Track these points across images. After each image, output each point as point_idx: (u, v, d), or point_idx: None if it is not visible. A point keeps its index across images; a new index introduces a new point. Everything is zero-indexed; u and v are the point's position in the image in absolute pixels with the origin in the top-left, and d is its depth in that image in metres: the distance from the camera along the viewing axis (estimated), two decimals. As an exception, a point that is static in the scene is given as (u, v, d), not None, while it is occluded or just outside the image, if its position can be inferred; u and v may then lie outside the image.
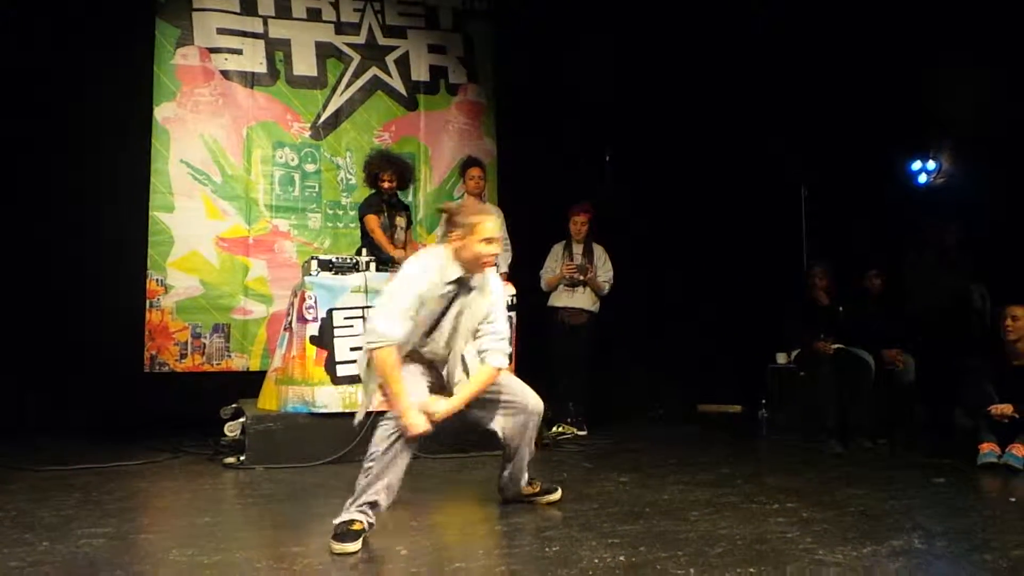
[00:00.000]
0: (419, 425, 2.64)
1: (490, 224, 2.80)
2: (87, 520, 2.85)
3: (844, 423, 4.64)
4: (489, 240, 2.80)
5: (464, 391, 2.85)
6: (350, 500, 2.63)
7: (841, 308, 5.03)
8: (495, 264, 2.99)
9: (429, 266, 2.81)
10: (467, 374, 2.90)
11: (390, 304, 2.75)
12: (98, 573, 2.20)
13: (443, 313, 2.84)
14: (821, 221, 6.21)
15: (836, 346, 4.84)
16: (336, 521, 2.56)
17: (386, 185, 4.88)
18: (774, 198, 6.36)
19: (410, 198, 6.19)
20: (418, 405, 2.69)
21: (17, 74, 5.26)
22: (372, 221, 4.86)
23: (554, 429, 5.00)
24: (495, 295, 2.94)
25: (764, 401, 5.40)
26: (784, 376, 5.31)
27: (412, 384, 2.77)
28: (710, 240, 6.45)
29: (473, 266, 2.82)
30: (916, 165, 6.27)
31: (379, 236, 4.80)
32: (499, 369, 2.91)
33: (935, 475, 3.71)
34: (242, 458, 3.98)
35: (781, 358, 5.44)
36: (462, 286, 2.85)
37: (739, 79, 6.24)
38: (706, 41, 6.25)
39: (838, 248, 5.68)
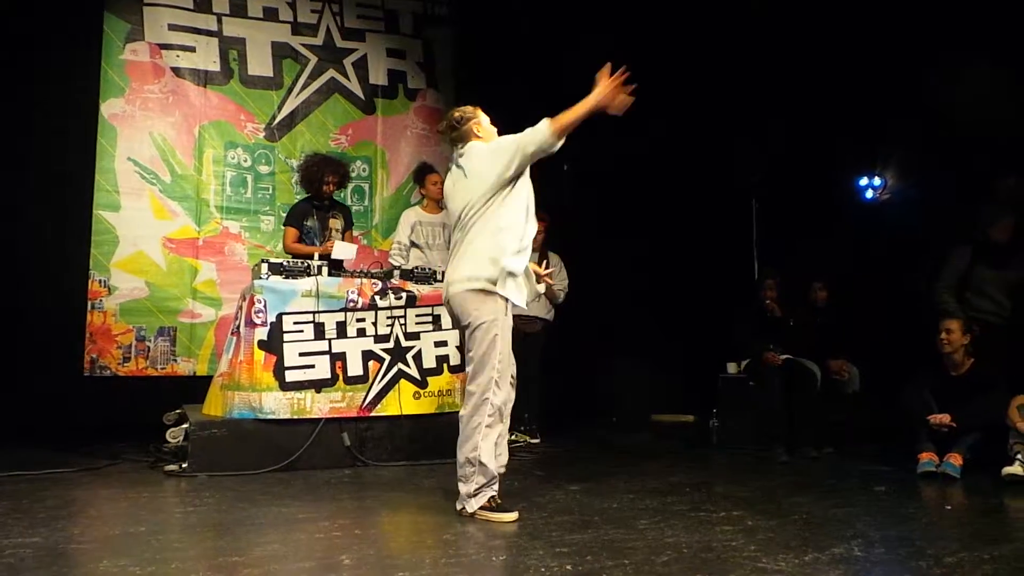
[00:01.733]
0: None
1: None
2: (14, 529, 2.72)
3: (791, 432, 4.73)
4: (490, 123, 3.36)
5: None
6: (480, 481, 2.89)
7: (790, 320, 5.14)
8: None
9: None
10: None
11: (521, 139, 3.10)
12: (22, 585, 2.10)
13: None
14: (771, 234, 6.35)
15: (784, 356, 4.94)
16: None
17: (330, 188, 4.81)
18: (726, 211, 6.48)
19: (366, 202, 6.13)
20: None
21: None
22: (289, 234, 4.82)
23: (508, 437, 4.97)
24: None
25: (715, 410, 5.47)
26: (734, 385, 5.39)
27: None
28: (664, 250, 6.54)
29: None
30: (863, 181, 6.46)
31: (293, 249, 4.75)
32: None
33: (877, 483, 3.80)
34: (184, 465, 3.86)
35: (731, 368, 5.52)
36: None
37: (693, 94, 6.35)
38: (661, 52, 6.33)
39: (787, 260, 5.81)
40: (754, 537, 2.71)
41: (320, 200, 4.85)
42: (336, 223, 4.90)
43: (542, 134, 3.01)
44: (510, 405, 3.11)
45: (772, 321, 5.11)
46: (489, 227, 3.01)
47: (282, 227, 5.90)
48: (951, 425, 4.06)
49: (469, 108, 3.30)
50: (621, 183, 6.57)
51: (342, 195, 5.21)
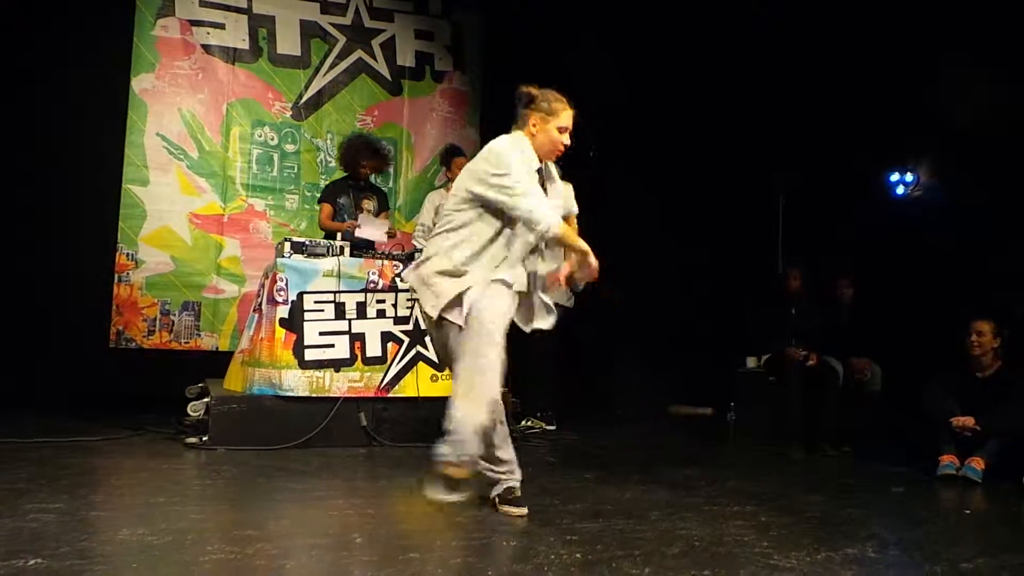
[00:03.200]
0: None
1: (569, 113, 2.77)
2: (38, 495, 2.79)
3: (809, 429, 4.69)
4: (564, 129, 2.75)
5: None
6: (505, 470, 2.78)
7: (814, 316, 5.08)
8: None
9: (522, 147, 2.74)
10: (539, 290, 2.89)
11: (530, 187, 2.68)
12: (42, 548, 2.15)
13: None
14: (798, 228, 6.25)
15: (805, 353, 4.88)
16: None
17: (365, 171, 4.86)
18: (752, 203, 6.39)
19: (390, 184, 6.15)
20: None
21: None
22: (324, 210, 4.89)
23: (523, 423, 4.99)
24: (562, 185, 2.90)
25: (732, 404, 5.43)
26: (753, 380, 5.35)
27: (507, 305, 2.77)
28: (687, 241, 6.47)
29: (548, 154, 2.78)
30: (895, 177, 6.33)
31: (327, 225, 4.81)
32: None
33: (895, 484, 3.76)
34: (204, 438, 3.92)
35: (751, 362, 5.47)
36: (541, 176, 2.79)
37: (723, 84, 6.25)
38: (694, 45, 6.24)
39: (814, 256, 5.73)
40: (766, 533, 2.69)
41: (348, 180, 4.91)
42: (369, 204, 4.93)
43: (543, 223, 2.68)
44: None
45: (793, 317, 5.05)
46: None
47: (307, 206, 5.96)
48: (975, 428, 3.98)
49: (551, 94, 2.86)
50: (647, 173, 6.51)
51: (374, 177, 5.24)
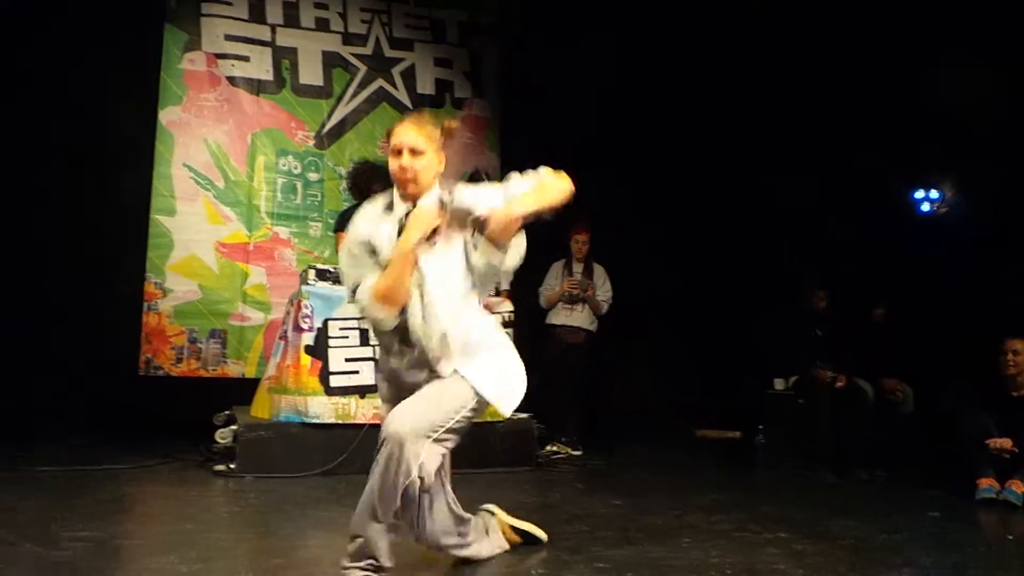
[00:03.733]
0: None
1: (400, 129, 2.21)
2: (70, 523, 2.81)
3: (840, 452, 4.61)
4: (394, 150, 2.18)
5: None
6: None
7: (841, 336, 5.01)
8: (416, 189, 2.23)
9: (359, 217, 2.35)
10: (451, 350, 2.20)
11: (347, 279, 2.32)
12: (76, 580, 2.17)
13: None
14: (823, 248, 6.20)
15: (833, 374, 4.81)
16: None
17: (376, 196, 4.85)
18: (776, 223, 6.35)
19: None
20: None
21: (27, 73, 5.28)
22: (340, 240, 4.85)
23: (548, 448, 4.95)
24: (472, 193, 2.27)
25: (761, 427, 5.36)
26: (782, 402, 5.28)
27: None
28: (711, 263, 6.44)
29: (402, 188, 2.23)
30: (919, 194, 6.27)
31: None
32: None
33: (931, 509, 3.67)
34: (232, 466, 3.94)
35: (779, 384, 5.40)
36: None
37: (744, 104, 6.25)
38: (706, 64, 6.26)
39: (840, 275, 5.67)
40: (800, 561, 2.64)
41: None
42: None
43: (360, 307, 2.27)
44: None
45: (820, 338, 4.99)
46: None
47: (330, 233, 6.01)
48: (1012, 451, 3.89)
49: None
50: (669, 195, 6.50)
51: None
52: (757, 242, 6.36)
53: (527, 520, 2.74)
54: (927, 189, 6.23)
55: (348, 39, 6.21)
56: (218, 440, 4.22)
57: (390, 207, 2.30)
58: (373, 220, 2.30)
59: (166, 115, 5.72)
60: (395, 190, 2.29)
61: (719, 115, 6.35)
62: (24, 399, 5.12)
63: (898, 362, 5.10)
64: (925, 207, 6.25)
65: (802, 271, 5.96)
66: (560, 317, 5.33)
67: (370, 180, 4.87)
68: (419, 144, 2.20)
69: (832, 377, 4.77)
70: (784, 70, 6.01)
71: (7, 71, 5.23)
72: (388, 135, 2.27)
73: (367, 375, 4.16)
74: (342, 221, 4.98)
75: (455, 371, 2.22)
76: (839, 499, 3.90)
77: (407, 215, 2.24)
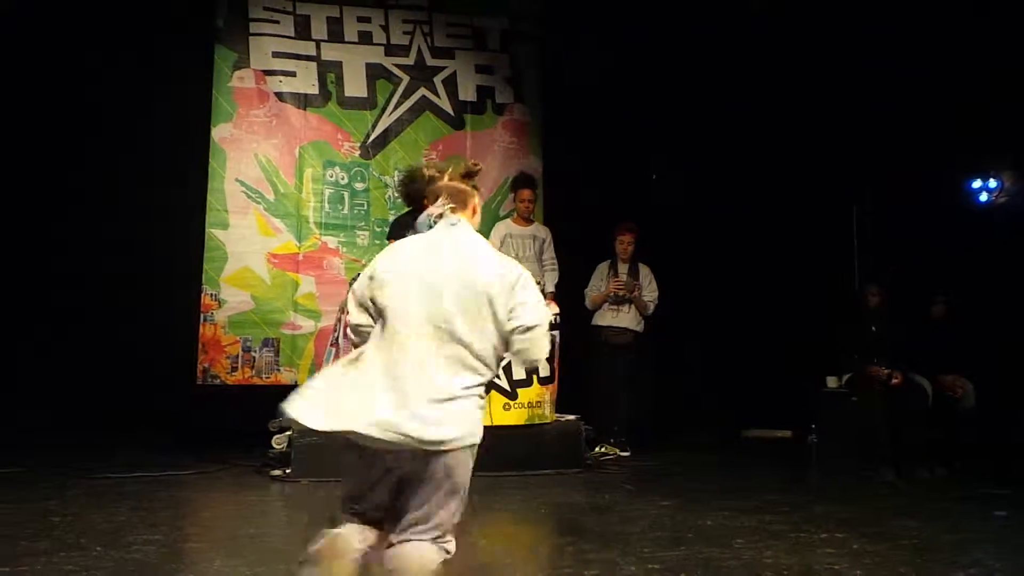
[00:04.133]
0: None
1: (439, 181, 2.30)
2: (138, 527, 2.93)
3: (898, 451, 4.49)
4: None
5: None
6: None
7: (896, 332, 4.89)
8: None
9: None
10: None
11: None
12: (147, 580, 2.26)
13: None
14: (876, 241, 6.05)
15: (888, 371, 4.69)
16: None
17: (428, 204, 4.93)
18: (826, 216, 6.22)
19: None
20: None
21: (84, 96, 5.52)
22: None
23: (596, 449, 4.95)
24: None
25: (814, 426, 5.25)
26: (835, 401, 5.16)
27: None
28: (758, 260, 6.34)
29: None
30: (977, 183, 6.07)
31: None
32: None
33: (997, 508, 3.55)
34: (288, 471, 4.04)
35: (832, 382, 5.29)
36: None
37: (791, 97, 6.15)
38: (755, 59, 6.18)
39: (893, 268, 5.53)
40: (859, 561, 2.59)
41: (415, 215, 4.98)
42: None
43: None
44: None
45: (875, 334, 4.87)
46: None
47: (377, 242, 6.11)
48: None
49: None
50: (714, 191, 6.43)
51: None
52: (808, 238, 6.24)
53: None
54: (984, 179, 6.02)
55: (390, 50, 6.31)
56: (274, 446, 4.34)
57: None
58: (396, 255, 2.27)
59: (218, 132, 5.90)
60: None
61: (763, 110, 6.26)
62: (88, 410, 5.35)
63: (958, 358, 4.94)
64: (983, 197, 6.05)
65: (857, 267, 5.83)
66: (606, 318, 5.32)
67: (420, 188, 4.95)
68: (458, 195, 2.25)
69: (888, 374, 4.65)
70: (834, 59, 5.89)
71: (66, 95, 5.48)
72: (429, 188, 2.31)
73: (416, 380, 4.22)
74: (393, 230, 5.08)
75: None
76: (898, 498, 3.81)
77: None
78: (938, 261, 5.67)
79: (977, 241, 5.65)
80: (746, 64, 6.22)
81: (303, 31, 6.11)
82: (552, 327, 4.53)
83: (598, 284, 5.41)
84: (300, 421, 2.00)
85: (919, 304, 5.22)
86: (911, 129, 5.77)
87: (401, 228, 5.05)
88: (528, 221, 5.36)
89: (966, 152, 5.88)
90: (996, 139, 5.71)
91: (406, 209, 5.11)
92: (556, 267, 5.35)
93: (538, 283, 4.81)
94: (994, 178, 6.01)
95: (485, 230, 5.74)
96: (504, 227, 5.35)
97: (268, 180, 5.98)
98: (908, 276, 5.48)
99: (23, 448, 4.59)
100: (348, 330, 2.27)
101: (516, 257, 5.20)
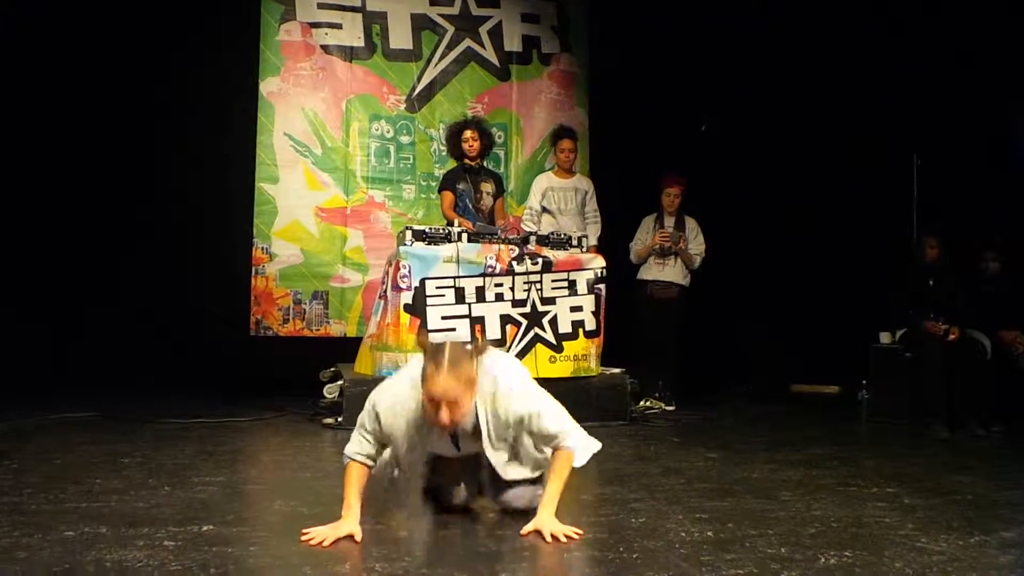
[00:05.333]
0: None
1: (434, 383, 2.12)
2: (202, 469, 3.08)
3: (953, 408, 4.40)
4: (431, 399, 2.14)
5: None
6: None
7: (953, 286, 4.73)
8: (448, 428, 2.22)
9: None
10: None
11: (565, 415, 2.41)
12: (212, 516, 2.38)
13: None
14: (935, 192, 5.83)
15: (946, 326, 4.56)
16: None
17: (469, 145, 4.89)
18: (882, 167, 6.00)
19: (501, 169, 6.23)
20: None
21: (134, 55, 5.60)
22: (445, 199, 4.97)
23: (642, 403, 4.97)
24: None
25: (865, 382, 5.16)
26: (888, 356, 5.06)
27: None
28: (810, 212, 6.18)
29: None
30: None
31: (448, 214, 4.88)
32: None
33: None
34: (340, 419, 4.17)
35: (885, 337, 5.17)
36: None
37: (843, 38, 5.89)
38: (811, 4, 5.92)
39: (954, 222, 5.33)
40: (911, 515, 2.57)
41: (469, 163, 4.97)
42: (487, 187, 5.03)
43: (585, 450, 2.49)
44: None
45: (932, 289, 4.73)
46: None
47: (431, 196, 6.12)
48: None
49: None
50: (765, 143, 6.25)
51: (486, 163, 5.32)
52: (864, 189, 6.04)
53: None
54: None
55: (435, 0, 6.24)
56: (326, 395, 4.47)
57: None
58: (405, 423, 2.29)
59: (266, 86, 5.95)
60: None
61: (819, 57, 6.01)
62: (151, 359, 5.57)
63: (1019, 312, 4.77)
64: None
65: (915, 219, 5.63)
66: (652, 272, 5.28)
67: (460, 130, 4.96)
68: (456, 395, 2.14)
69: (945, 330, 4.53)
70: (898, 3, 5.61)
71: (113, 54, 5.56)
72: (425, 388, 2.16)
73: (463, 331, 4.29)
74: (445, 181, 5.10)
75: None
76: (951, 455, 3.74)
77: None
78: (996, 214, 5.44)
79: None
80: (801, 10, 5.96)
81: (348, -19, 6.06)
82: (598, 280, 4.56)
83: (643, 237, 5.35)
84: None
85: (976, 258, 5.04)
86: (973, 79, 5.49)
87: (451, 179, 5.06)
88: (570, 173, 5.29)
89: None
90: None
91: (453, 163, 5.15)
92: (599, 219, 5.30)
93: (582, 236, 4.81)
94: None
95: (530, 182, 5.73)
96: (545, 180, 5.31)
97: (315, 134, 6.02)
98: (966, 230, 5.28)
99: (90, 394, 4.82)
100: None
101: (558, 210, 5.18)
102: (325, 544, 2.15)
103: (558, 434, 2.34)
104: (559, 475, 2.34)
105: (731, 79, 6.25)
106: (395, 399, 2.30)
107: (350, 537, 2.19)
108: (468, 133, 4.91)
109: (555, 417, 2.36)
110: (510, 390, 2.30)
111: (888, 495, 2.85)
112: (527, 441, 2.38)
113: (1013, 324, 4.71)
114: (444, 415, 2.13)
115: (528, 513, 2.36)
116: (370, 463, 2.37)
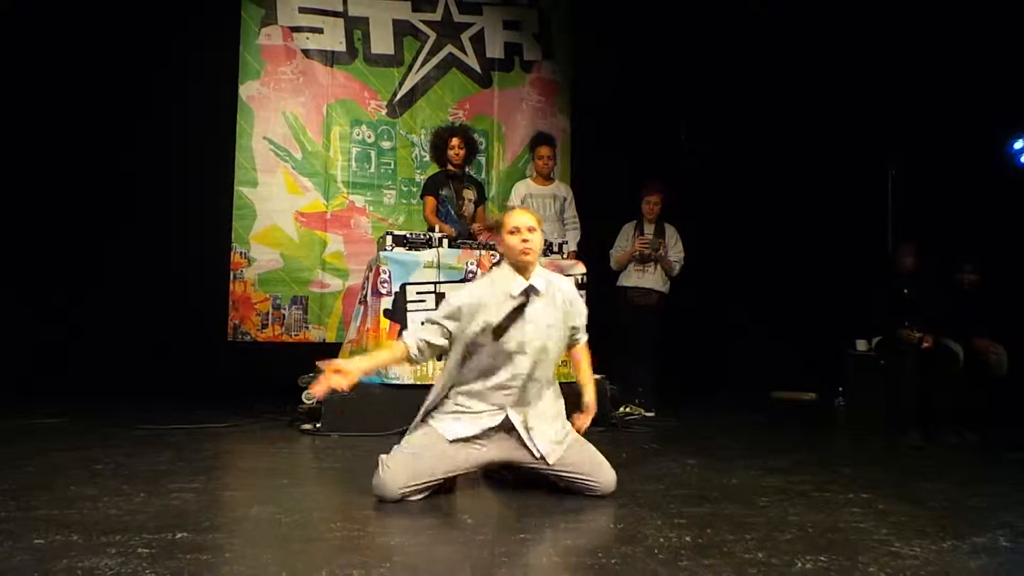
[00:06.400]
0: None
1: (515, 214, 2.76)
2: (178, 475, 3.03)
3: (928, 415, 4.46)
4: (515, 230, 2.72)
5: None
6: None
7: (929, 294, 4.81)
8: (532, 255, 2.75)
9: (476, 285, 2.88)
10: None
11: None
12: (187, 524, 2.35)
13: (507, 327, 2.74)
14: (910, 203, 5.93)
15: (920, 334, 4.63)
16: None
17: (455, 152, 4.88)
18: (859, 178, 6.10)
19: (482, 175, 6.24)
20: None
21: (112, 57, 5.55)
22: (428, 204, 4.95)
23: (621, 409, 4.98)
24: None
25: (841, 389, 5.23)
26: (864, 364, 5.12)
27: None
28: (788, 221, 6.26)
29: (519, 261, 2.75)
30: (1019, 144, 5.88)
31: (430, 219, 4.86)
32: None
33: (1026, 472, 3.53)
34: (318, 425, 4.14)
35: (861, 345, 5.24)
36: (527, 295, 2.76)
37: (820, 49, 5.98)
38: (789, 15, 6.00)
39: (929, 232, 5.42)
40: (885, 520, 2.60)
41: (453, 169, 4.97)
42: (470, 194, 5.03)
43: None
44: None
45: (907, 297, 4.80)
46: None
47: (412, 201, 6.12)
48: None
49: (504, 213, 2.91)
50: (744, 152, 6.33)
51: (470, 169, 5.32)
52: (840, 199, 6.13)
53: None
54: (1027, 139, 5.83)
55: (418, 6, 6.25)
56: (304, 401, 4.43)
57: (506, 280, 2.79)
58: (478, 298, 2.76)
59: (246, 90, 5.92)
60: (505, 271, 2.80)
61: (796, 67, 6.10)
62: (127, 364, 5.50)
63: (992, 323, 4.86)
64: (1024, 158, 5.87)
65: (890, 228, 5.72)
66: (632, 279, 5.31)
67: (446, 137, 4.94)
68: (534, 224, 2.77)
69: (919, 337, 4.60)
70: (872, 13, 5.70)
71: (95, 55, 5.50)
72: (501, 224, 2.82)
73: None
74: (427, 187, 5.08)
75: None
76: (926, 461, 3.79)
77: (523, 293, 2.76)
78: (973, 224, 5.54)
79: (1016, 203, 5.51)
80: (779, 22, 6.04)
81: (330, -15, 6.06)
82: (578, 287, 4.57)
83: (623, 244, 5.38)
84: None
85: (951, 268, 5.13)
86: (950, 87, 5.59)
87: (434, 184, 5.05)
88: (548, 180, 5.31)
89: (1009, 112, 5.69)
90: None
91: (435, 168, 5.14)
92: (578, 226, 5.32)
93: (562, 242, 4.81)
94: (1036, 138, 5.81)
95: (509, 190, 5.73)
96: (524, 187, 5.32)
97: (296, 138, 6.00)
98: (942, 239, 5.37)
99: (65, 400, 4.74)
100: None
101: (535, 217, 5.18)
102: (329, 383, 2.59)
103: (583, 325, 2.98)
104: (588, 364, 3.04)
105: (711, 89, 6.32)
106: (468, 286, 2.91)
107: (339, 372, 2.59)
108: (455, 140, 4.90)
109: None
110: (563, 280, 2.95)
111: (863, 501, 2.88)
112: (561, 333, 2.86)
113: (986, 334, 4.79)
114: (527, 237, 2.70)
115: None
116: (415, 347, 2.77)
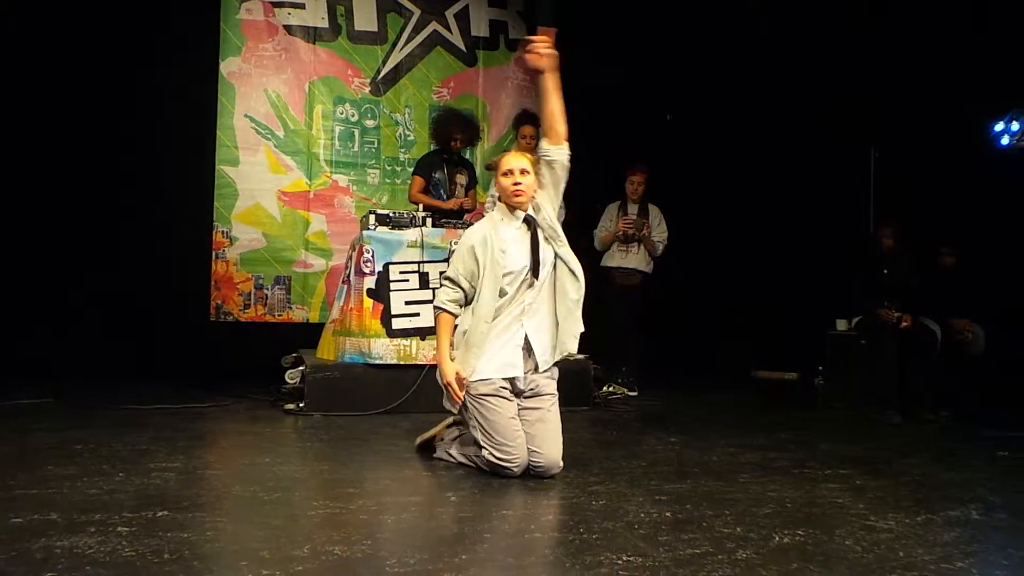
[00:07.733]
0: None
1: (509, 156, 2.95)
2: (159, 455, 3.02)
3: (905, 393, 4.52)
4: (508, 171, 2.89)
5: None
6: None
7: (908, 275, 4.86)
8: (523, 196, 2.92)
9: (475, 231, 2.97)
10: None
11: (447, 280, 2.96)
12: (167, 502, 2.34)
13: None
14: (892, 184, 5.96)
15: (899, 314, 4.69)
16: None
17: (457, 145, 4.91)
18: (841, 159, 6.12)
19: (468, 155, 6.20)
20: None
21: (89, 31, 5.43)
22: (416, 183, 4.93)
23: (605, 389, 5.02)
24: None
25: (821, 369, 5.28)
26: (843, 343, 5.18)
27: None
28: (771, 202, 6.29)
29: (512, 201, 2.92)
30: (999, 126, 5.92)
31: (417, 198, 4.85)
32: None
33: (1000, 449, 3.60)
34: (301, 404, 4.13)
35: (841, 325, 5.29)
36: (532, 225, 2.91)
37: (804, 33, 5.98)
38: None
39: (909, 213, 5.46)
40: (862, 496, 2.64)
41: (449, 154, 4.95)
42: (462, 178, 5.02)
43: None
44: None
45: (886, 277, 4.85)
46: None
47: (387, 181, 6.08)
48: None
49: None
50: (727, 133, 6.33)
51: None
52: (822, 179, 6.16)
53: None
54: (1008, 121, 5.86)
55: (401, -20, 6.16)
56: (287, 381, 4.41)
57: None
58: (485, 236, 2.90)
59: (227, 66, 5.82)
60: (501, 211, 2.97)
61: (780, 47, 6.09)
62: (109, 345, 5.44)
63: (970, 304, 4.93)
64: (1004, 140, 5.91)
65: (872, 209, 5.76)
66: (615, 259, 5.32)
67: (449, 129, 4.91)
68: (527, 166, 2.93)
69: (898, 317, 4.66)
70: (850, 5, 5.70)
71: (72, 32, 5.39)
72: (497, 166, 3.01)
73: (427, 317, 4.26)
74: (419, 167, 5.05)
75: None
76: (903, 439, 3.86)
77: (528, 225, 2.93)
78: (955, 204, 5.59)
79: (996, 185, 5.55)
80: (766, 6, 6.02)
81: (312, -40, 5.95)
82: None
83: (607, 224, 5.38)
84: None
85: (931, 250, 5.18)
86: (932, 70, 5.61)
87: (428, 166, 5.02)
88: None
89: (990, 93, 5.72)
90: (1022, 80, 5.54)
91: (424, 146, 5.10)
92: (563, 207, 5.29)
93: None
94: (1016, 120, 5.85)
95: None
96: (506, 164, 5.29)
97: (278, 116, 5.93)
98: (923, 220, 5.42)
99: (46, 381, 4.70)
100: None
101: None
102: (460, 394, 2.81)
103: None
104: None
105: (695, 70, 6.31)
106: (474, 226, 3.00)
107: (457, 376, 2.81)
108: (457, 135, 4.89)
109: None
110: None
111: (841, 476, 2.93)
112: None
113: (964, 314, 4.85)
114: (518, 180, 2.86)
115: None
116: (456, 310, 2.90)
